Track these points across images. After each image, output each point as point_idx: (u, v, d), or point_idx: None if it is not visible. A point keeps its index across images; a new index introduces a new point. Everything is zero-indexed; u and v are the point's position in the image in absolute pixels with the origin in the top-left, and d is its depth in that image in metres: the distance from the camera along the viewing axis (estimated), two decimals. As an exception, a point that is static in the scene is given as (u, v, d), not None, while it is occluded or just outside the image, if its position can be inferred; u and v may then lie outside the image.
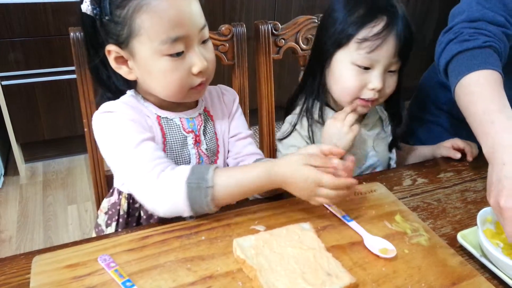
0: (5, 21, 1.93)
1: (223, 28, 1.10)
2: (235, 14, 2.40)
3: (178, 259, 0.66)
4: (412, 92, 1.35)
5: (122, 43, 0.75)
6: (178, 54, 0.75)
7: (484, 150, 0.78)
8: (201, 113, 0.89)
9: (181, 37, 0.73)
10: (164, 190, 0.72)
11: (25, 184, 2.20)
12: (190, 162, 0.87)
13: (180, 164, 0.85)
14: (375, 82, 0.90)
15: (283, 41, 1.17)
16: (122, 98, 0.84)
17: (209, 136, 0.91)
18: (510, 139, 0.72)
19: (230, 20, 2.35)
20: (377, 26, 0.87)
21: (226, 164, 0.96)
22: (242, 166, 0.78)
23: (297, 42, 1.16)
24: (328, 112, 1.01)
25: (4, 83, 2.02)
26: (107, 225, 0.89)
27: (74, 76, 1.01)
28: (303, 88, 1.05)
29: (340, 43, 0.91)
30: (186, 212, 0.72)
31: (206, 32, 0.79)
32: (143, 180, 0.72)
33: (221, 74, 2.30)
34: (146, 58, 0.75)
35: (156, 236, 0.70)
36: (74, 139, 2.30)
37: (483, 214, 0.74)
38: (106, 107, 0.80)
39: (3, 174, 2.22)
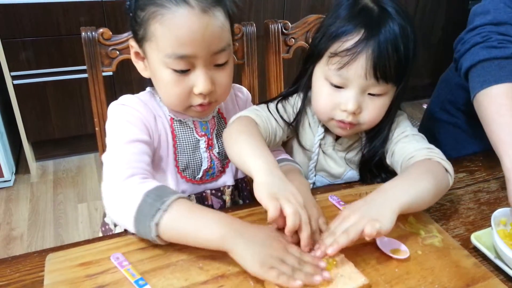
0: (16, 21, 1.95)
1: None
2: (244, 13, 2.39)
3: (190, 258, 0.66)
4: (424, 91, 1.33)
5: (139, 42, 0.76)
6: (183, 71, 0.73)
7: (507, 161, 0.79)
8: (214, 116, 0.89)
9: (187, 56, 0.71)
10: (122, 195, 0.67)
11: (36, 182, 2.22)
12: (201, 165, 0.87)
13: (192, 168, 0.86)
14: (347, 104, 0.79)
15: (293, 40, 1.16)
16: (140, 94, 0.84)
17: (222, 138, 0.90)
18: None
19: (239, 19, 2.35)
20: (350, 41, 0.76)
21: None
22: (205, 213, 0.66)
23: (307, 41, 1.16)
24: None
25: (15, 82, 2.04)
26: (116, 225, 0.89)
27: (84, 75, 1.02)
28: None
29: (316, 55, 0.83)
30: (130, 226, 0.66)
31: (224, 56, 0.75)
32: (111, 177, 0.70)
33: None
34: (153, 63, 0.76)
35: (168, 235, 0.70)
36: (84, 138, 2.32)
37: (498, 215, 0.73)
38: (122, 99, 0.82)
39: (14, 172, 2.25)
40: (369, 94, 0.79)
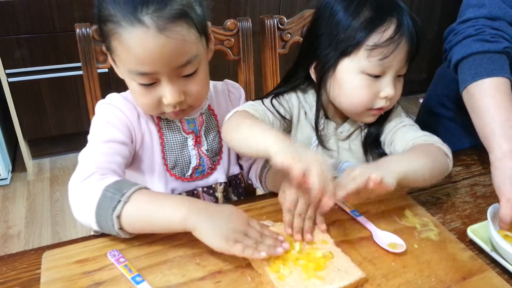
0: (10, 17, 1.93)
1: (228, 23, 1.09)
2: (239, 8, 2.38)
3: (187, 254, 0.66)
4: (420, 86, 1.33)
5: (108, 50, 0.75)
6: (148, 84, 0.73)
7: (497, 152, 0.79)
8: (203, 113, 0.89)
9: (148, 73, 0.71)
10: (82, 193, 0.67)
11: (32, 180, 2.22)
12: (190, 163, 0.87)
13: (181, 165, 0.86)
14: (388, 90, 0.81)
15: (289, 35, 1.16)
16: (126, 92, 0.84)
17: (211, 135, 0.90)
18: None
19: (235, 14, 2.35)
20: (388, 30, 0.77)
21: (234, 164, 0.96)
22: (165, 197, 0.68)
23: (303, 36, 1.15)
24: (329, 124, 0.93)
25: (10, 80, 2.02)
26: None
27: (79, 72, 1.02)
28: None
29: (346, 51, 0.81)
30: (92, 222, 0.66)
31: (190, 68, 0.73)
32: (74, 177, 0.70)
33: (227, 69, 2.30)
34: (122, 73, 0.77)
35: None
36: (80, 135, 2.29)
37: (494, 209, 0.73)
38: (108, 98, 0.84)
39: (10, 170, 2.24)
40: (399, 76, 0.84)
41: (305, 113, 0.93)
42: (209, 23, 0.79)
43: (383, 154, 0.92)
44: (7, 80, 2.02)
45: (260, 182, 0.91)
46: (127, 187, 0.65)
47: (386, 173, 0.66)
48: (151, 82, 0.73)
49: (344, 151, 0.94)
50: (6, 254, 0.67)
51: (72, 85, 2.16)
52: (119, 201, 0.63)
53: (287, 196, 0.69)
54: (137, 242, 0.68)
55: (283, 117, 0.90)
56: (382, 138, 0.92)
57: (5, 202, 2.05)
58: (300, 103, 0.93)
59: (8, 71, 2.01)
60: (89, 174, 0.68)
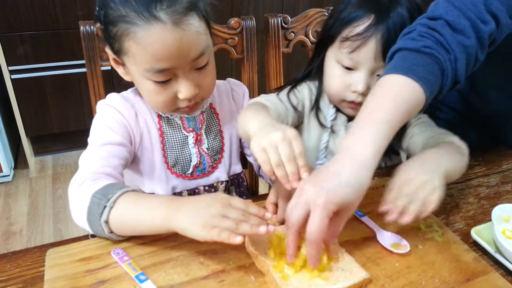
0: (14, 14, 1.94)
1: (232, 22, 1.09)
2: (242, 7, 2.38)
3: (190, 253, 0.66)
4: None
5: (117, 53, 0.75)
6: (164, 82, 0.73)
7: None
8: (204, 111, 0.89)
9: (165, 69, 0.71)
10: (76, 200, 0.68)
11: (34, 177, 2.22)
12: (191, 161, 0.87)
13: (181, 163, 0.87)
14: (358, 85, 0.83)
15: (293, 34, 1.16)
16: (126, 92, 0.85)
17: (213, 134, 0.90)
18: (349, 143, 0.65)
19: (238, 13, 2.34)
20: (361, 26, 0.80)
21: (236, 163, 0.95)
22: (148, 200, 0.66)
23: (306, 36, 1.15)
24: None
25: (13, 76, 2.03)
26: None
27: (82, 70, 1.02)
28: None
29: (329, 39, 0.87)
30: (87, 227, 0.66)
31: (204, 59, 0.74)
32: (71, 184, 0.70)
33: (230, 68, 2.30)
34: (134, 74, 0.76)
35: (169, 230, 0.70)
36: (83, 132, 2.29)
37: (498, 210, 0.73)
38: (107, 98, 0.84)
39: (13, 167, 2.24)
40: (378, 75, 0.82)
41: (324, 100, 0.95)
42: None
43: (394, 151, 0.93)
44: (10, 77, 2.02)
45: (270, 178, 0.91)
46: (113, 192, 0.65)
47: (437, 187, 0.66)
48: (167, 78, 0.73)
49: None
50: (9, 252, 0.67)
51: (75, 83, 2.16)
52: (105, 206, 0.64)
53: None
54: (141, 241, 0.68)
55: (295, 108, 0.92)
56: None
57: (7, 199, 2.05)
58: (311, 94, 0.95)
59: (11, 68, 2.01)
60: (82, 180, 0.69)
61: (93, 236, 0.69)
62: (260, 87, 1.16)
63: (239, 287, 0.60)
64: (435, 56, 0.70)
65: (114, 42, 0.72)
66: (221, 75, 1.03)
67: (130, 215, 0.64)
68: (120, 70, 0.79)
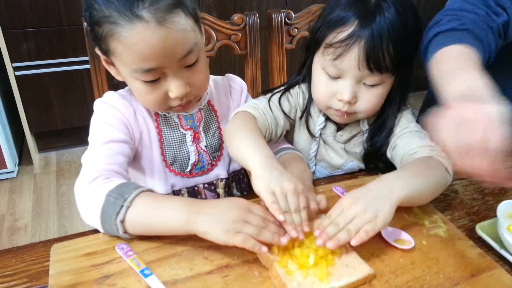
0: (18, 11, 1.94)
1: (235, 18, 1.09)
2: (246, 3, 2.37)
3: (195, 248, 0.66)
4: (427, 82, 1.32)
5: (105, 54, 0.74)
6: (152, 81, 0.72)
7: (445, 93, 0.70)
8: (201, 108, 0.88)
9: (153, 69, 0.70)
10: (87, 198, 0.68)
11: (39, 173, 2.23)
12: (189, 159, 0.87)
13: (180, 161, 0.86)
14: (342, 94, 0.80)
15: (296, 30, 1.15)
16: (123, 90, 0.84)
17: (211, 131, 0.90)
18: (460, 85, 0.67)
19: (241, 9, 2.34)
20: (344, 32, 0.76)
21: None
22: (166, 202, 0.67)
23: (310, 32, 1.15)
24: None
25: (17, 73, 2.03)
26: None
27: (86, 66, 1.02)
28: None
29: (315, 44, 0.83)
30: (99, 226, 0.67)
31: (193, 57, 0.73)
32: (78, 181, 0.70)
33: (233, 64, 2.30)
34: (123, 74, 0.76)
35: (173, 226, 0.70)
36: (86, 129, 2.29)
37: (503, 206, 0.73)
38: (104, 96, 0.83)
39: (17, 163, 2.25)
40: (364, 84, 0.80)
41: (313, 107, 0.93)
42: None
43: (386, 162, 0.90)
44: (14, 74, 2.02)
45: None
46: (129, 191, 0.65)
47: (383, 211, 0.65)
48: (156, 78, 0.72)
49: (346, 152, 0.93)
50: (14, 247, 0.67)
51: (78, 79, 2.16)
52: (122, 206, 0.64)
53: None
54: (145, 236, 0.68)
55: (286, 115, 0.91)
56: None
57: (12, 195, 2.06)
58: (304, 99, 0.92)
59: (15, 64, 2.01)
60: (93, 178, 0.69)
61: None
62: (264, 83, 1.16)
63: (243, 282, 0.61)
64: (470, 30, 0.78)
65: (101, 43, 0.71)
66: (224, 71, 1.03)
67: (148, 216, 0.64)
68: (112, 71, 0.78)
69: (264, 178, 0.66)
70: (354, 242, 0.62)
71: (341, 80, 0.80)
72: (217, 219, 0.61)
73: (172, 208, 0.64)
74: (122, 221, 0.64)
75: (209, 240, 0.61)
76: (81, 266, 0.62)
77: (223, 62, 2.29)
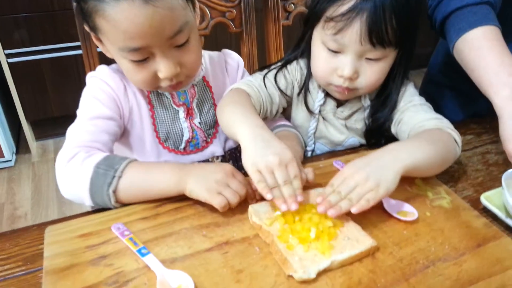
0: (7, -3, 1.90)
1: (230, -7, 1.05)
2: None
3: (193, 226, 0.64)
4: (427, 60, 1.30)
5: (92, 30, 0.72)
6: (140, 61, 0.70)
7: (498, 101, 0.77)
8: (195, 84, 0.86)
9: (140, 48, 0.68)
10: (70, 173, 0.67)
11: (37, 161, 2.22)
12: (183, 136, 0.85)
13: (173, 138, 0.84)
14: (343, 69, 0.76)
15: (293, 6, 1.12)
16: (116, 64, 0.82)
17: (206, 108, 0.88)
18: None
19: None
20: (345, 5, 0.72)
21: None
22: (157, 167, 0.70)
23: (307, 7, 1.11)
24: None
25: (10, 60, 2.00)
26: None
27: (80, 51, 1.00)
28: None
29: (315, 18, 0.79)
30: (86, 199, 0.67)
31: (183, 36, 0.70)
32: (59, 157, 0.70)
33: (229, 43, 2.25)
34: (111, 52, 0.74)
35: (170, 204, 0.69)
36: (83, 116, 2.29)
37: (509, 175, 0.71)
38: (97, 70, 0.82)
39: (15, 152, 2.24)
40: (367, 58, 0.77)
41: (312, 83, 0.90)
42: None
43: (388, 137, 0.88)
44: (7, 61, 1.99)
45: None
46: (118, 162, 0.67)
47: (386, 180, 0.63)
48: (144, 57, 0.70)
49: (347, 129, 0.91)
50: (8, 230, 0.66)
51: (73, 65, 2.13)
52: (114, 176, 0.65)
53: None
54: (142, 215, 0.66)
55: (283, 92, 0.88)
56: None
57: (10, 184, 2.05)
58: (302, 75, 0.90)
59: (7, 51, 1.98)
60: (74, 154, 0.68)
61: (91, 208, 0.70)
62: (260, 61, 1.13)
63: (243, 258, 0.59)
64: (490, 2, 0.82)
65: (88, 18, 0.69)
66: (219, 48, 1.00)
67: (140, 183, 0.67)
68: (102, 48, 0.76)
69: (249, 152, 0.65)
70: (354, 210, 0.61)
71: (342, 55, 0.77)
72: (203, 179, 0.65)
73: (164, 172, 0.68)
74: (114, 191, 0.65)
75: (194, 198, 0.66)
76: (76, 248, 0.60)
77: (219, 41, 2.25)
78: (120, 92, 0.80)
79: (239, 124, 0.70)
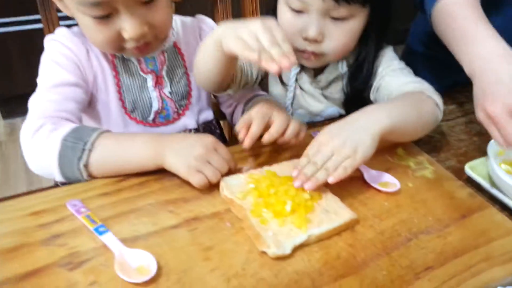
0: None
1: (202, -46, 0.98)
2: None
3: (158, 202, 0.59)
4: (404, 35, 1.26)
5: None
6: (103, 17, 0.64)
7: (466, 70, 0.71)
8: (165, 50, 0.80)
9: (102, 2, 0.61)
10: (38, 144, 0.62)
11: (4, 141, 2.11)
12: (152, 106, 0.79)
13: (141, 108, 0.78)
14: (307, 30, 0.71)
15: (269, -30, 1.05)
16: (76, 27, 0.75)
17: (177, 77, 0.82)
18: (489, 48, 0.67)
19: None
20: None
21: (206, 110, 0.88)
22: (132, 139, 0.64)
23: (284, -31, 1.05)
24: None
25: (-29, 34, 1.87)
26: None
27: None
28: None
29: None
30: (56, 174, 0.62)
31: None
32: (24, 130, 0.64)
33: (202, 11, 2.16)
34: (70, 9, 0.67)
35: (134, 179, 0.63)
36: (53, 93, 2.18)
37: (494, 144, 0.67)
38: (55, 33, 0.75)
39: (-20, 132, 2.13)
40: (332, 18, 0.71)
41: None
42: None
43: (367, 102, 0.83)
44: (-33, 35, 1.86)
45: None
46: (88, 134, 0.61)
47: (363, 144, 0.58)
48: (106, 13, 0.63)
49: (325, 98, 0.86)
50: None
51: (39, 39, 2.00)
52: (84, 150, 0.60)
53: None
54: (102, 191, 0.60)
55: None
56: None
57: (-24, 165, 1.95)
58: None
59: (-34, 24, 1.85)
60: (39, 126, 0.63)
61: (60, 184, 0.65)
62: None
63: (213, 234, 0.54)
64: None
65: None
66: (192, 14, 0.93)
67: (114, 156, 0.62)
68: (60, 5, 0.69)
69: (228, 25, 0.59)
70: (331, 180, 0.56)
71: (305, 14, 0.71)
72: (181, 154, 0.60)
73: (138, 146, 0.62)
74: (86, 165, 0.60)
75: (174, 173, 0.61)
76: (27, 226, 0.54)
77: (191, 9, 2.16)
78: (83, 56, 0.73)
79: (213, 31, 0.63)
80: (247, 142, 0.64)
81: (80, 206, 0.57)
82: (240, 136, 0.65)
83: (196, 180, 0.59)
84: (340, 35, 0.73)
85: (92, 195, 0.60)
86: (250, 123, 0.65)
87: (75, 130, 0.61)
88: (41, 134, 0.62)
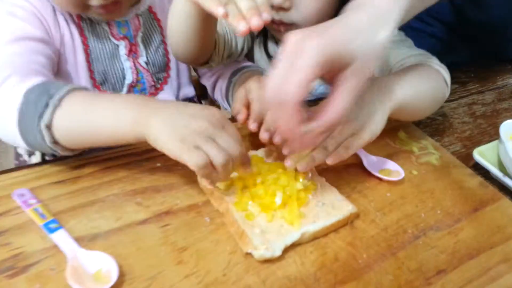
0: None
1: None
2: None
3: (124, 192, 0.50)
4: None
5: None
6: None
7: None
8: (140, 14, 0.70)
9: None
10: (0, 99, 0.49)
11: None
12: (125, 79, 0.70)
13: (112, 81, 0.69)
14: None
15: None
16: None
17: (153, 45, 0.72)
18: None
19: None
20: None
21: (187, 85, 0.79)
22: (110, 99, 0.50)
23: None
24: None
25: None
26: (30, 154, 0.72)
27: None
28: None
29: None
30: (17, 139, 0.49)
31: None
32: None
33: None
34: None
35: (96, 165, 0.54)
36: None
37: (507, 126, 0.60)
38: None
39: None
40: None
41: None
42: None
43: None
44: None
45: (227, 100, 0.75)
46: (58, 87, 0.47)
47: (372, 122, 0.51)
48: None
49: None
50: None
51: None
52: (47, 104, 0.46)
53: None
54: (57, 178, 0.51)
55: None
56: None
57: None
58: None
59: None
60: (4, 77, 0.50)
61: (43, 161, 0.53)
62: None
63: (188, 231, 0.46)
64: None
65: None
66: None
67: (84, 117, 0.47)
68: None
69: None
70: (330, 161, 0.48)
71: None
72: (173, 124, 0.44)
73: (117, 107, 0.47)
74: (49, 126, 0.46)
75: (159, 150, 0.44)
76: (-38, 222, 0.45)
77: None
78: (48, 15, 0.62)
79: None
80: (253, 125, 0.55)
81: (29, 197, 0.47)
82: (240, 117, 0.56)
83: (195, 158, 0.42)
84: (313, 1, 0.64)
85: (44, 184, 0.50)
86: (247, 101, 0.57)
87: (44, 83, 0.49)
88: (6, 87, 0.49)
